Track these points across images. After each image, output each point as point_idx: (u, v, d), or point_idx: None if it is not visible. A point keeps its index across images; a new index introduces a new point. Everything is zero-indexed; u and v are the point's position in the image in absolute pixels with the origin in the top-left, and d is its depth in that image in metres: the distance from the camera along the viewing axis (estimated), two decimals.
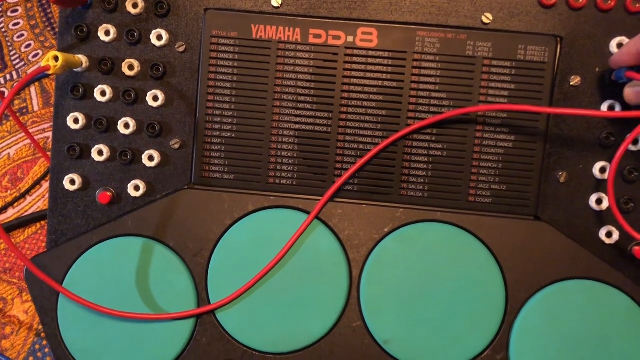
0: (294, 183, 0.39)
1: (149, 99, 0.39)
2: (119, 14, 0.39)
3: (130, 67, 0.39)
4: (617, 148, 0.37)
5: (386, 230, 0.38)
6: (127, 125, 0.39)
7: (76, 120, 0.39)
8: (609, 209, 0.38)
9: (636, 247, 0.38)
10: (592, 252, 0.37)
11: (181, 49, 0.39)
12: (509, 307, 0.37)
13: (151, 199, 0.39)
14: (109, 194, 0.39)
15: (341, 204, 0.39)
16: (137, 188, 0.39)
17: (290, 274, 0.38)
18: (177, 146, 0.39)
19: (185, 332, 0.38)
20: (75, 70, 0.39)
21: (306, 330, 0.37)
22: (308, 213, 0.38)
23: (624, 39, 0.37)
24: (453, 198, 0.38)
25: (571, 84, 0.37)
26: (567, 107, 0.38)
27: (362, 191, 0.39)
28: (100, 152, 0.39)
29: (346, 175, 0.38)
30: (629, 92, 0.36)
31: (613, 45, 0.37)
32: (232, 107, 0.39)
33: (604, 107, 0.37)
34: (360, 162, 0.38)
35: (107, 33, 0.39)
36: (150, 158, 0.39)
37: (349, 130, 0.39)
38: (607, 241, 0.38)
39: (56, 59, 0.36)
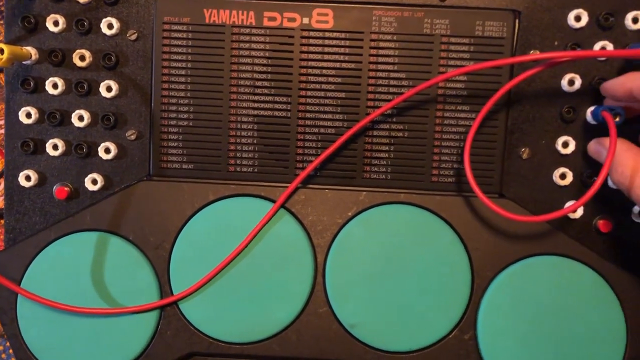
0: (255, 170, 0.38)
1: (102, 89, 0.38)
2: (67, 3, 0.38)
3: (82, 58, 0.38)
4: (579, 122, 0.37)
5: (350, 214, 0.38)
6: (81, 118, 0.38)
7: (28, 115, 0.38)
8: (572, 183, 0.38)
9: (600, 221, 0.37)
10: (557, 228, 0.37)
11: (133, 37, 0.38)
12: (475, 286, 0.37)
13: (109, 192, 0.38)
14: (66, 189, 0.38)
15: (304, 190, 0.38)
16: (94, 182, 0.38)
17: (254, 263, 0.37)
18: (133, 137, 0.38)
19: (150, 326, 0.37)
20: (24, 62, 0.38)
21: (272, 319, 0.37)
22: (270, 200, 0.38)
23: (581, 12, 0.36)
24: (416, 179, 0.38)
25: None
26: (529, 70, 0.37)
27: (325, 176, 0.38)
28: (55, 147, 0.38)
29: (316, 162, 0.37)
30: (592, 146, 0.36)
31: (571, 18, 0.36)
32: (188, 94, 0.38)
33: (564, 80, 0.37)
34: (331, 148, 0.37)
35: (56, 23, 0.37)
36: (107, 150, 0.38)
37: (308, 115, 0.38)
38: (572, 216, 0.38)
39: (1, 51, 0.35)
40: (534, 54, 0.33)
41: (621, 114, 0.34)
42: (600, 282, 0.37)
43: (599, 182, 0.32)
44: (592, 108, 0.37)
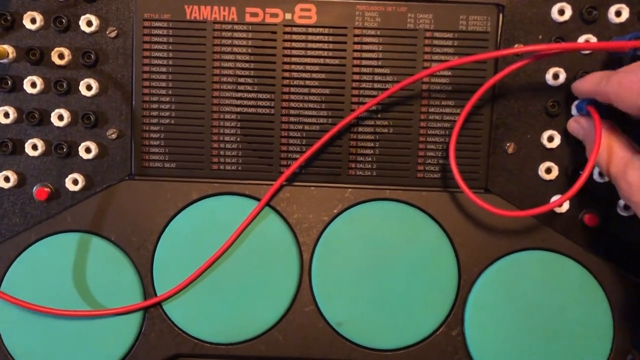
0: (239, 168, 0.38)
1: (82, 88, 0.37)
2: (44, 0, 0.37)
3: (61, 56, 0.37)
4: (564, 116, 0.37)
5: (335, 211, 0.37)
6: (61, 117, 0.37)
7: (6, 115, 0.37)
8: (558, 177, 0.37)
9: (587, 215, 0.37)
10: (543, 222, 0.37)
11: (113, 35, 0.37)
12: (462, 282, 0.37)
13: (91, 192, 0.38)
14: (46, 189, 0.37)
15: (289, 187, 0.37)
16: (75, 182, 0.38)
17: (239, 262, 0.37)
18: (114, 136, 0.38)
19: (133, 328, 0.36)
20: (1, 61, 0.37)
21: (258, 319, 0.37)
22: (255, 199, 0.37)
23: (565, 5, 0.36)
24: (402, 175, 0.38)
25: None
26: (512, 65, 0.37)
27: (310, 173, 0.38)
28: (34, 147, 0.37)
29: (300, 159, 0.37)
30: (571, 124, 0.36)
31: (554, 12, 0.36)
32: (170, 92, 0.37)
33: (549, 74, 0.37)
34: (316, 145, 0.37)
35: (33, 21, 0.37)
36: (87, 150, 0.38)
37: (292, 111, 0.37)
38: (558, 210, 0.38)
39: None
40: (518, 47, 0.33)
41: (604, 107, 0.34)
42: (586, 276, 0.37)
43: (584, 175, 0.31)
44: (576, 102, 0.36)
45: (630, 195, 0.31)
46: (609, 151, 0.32)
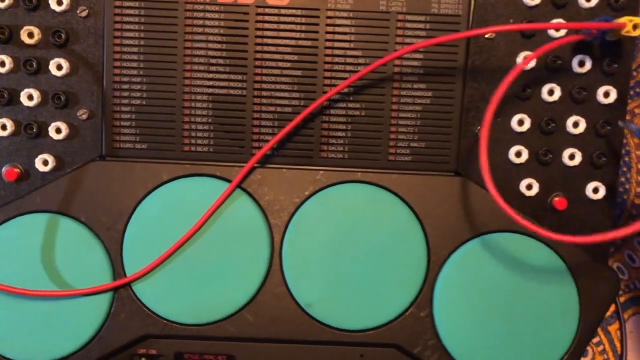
0: (211, 150, 0.38)
1: (52, 68, 0.37)
2: None
3: (30, 35, 0.37)
4: (534, 99, 0.37)
5: (307, 193, 0.37)
6: (30, 97, 0.37)
7: None
8: (528, 161, 0.38)
9: (556, 199, 0.38)
10: (512, 205, 0.37)
11: (84, 14, 0.37)
12: (431, 263, 0.37)
13: (61, 173, 0.37)
14: (16, 170, 0.37)
15: (260, 170, 0.37)
16: (45, 162, 0.37)
17: (210, 243, 0.37)
18: (85, 117, 0.37)
19: (102, 308, 0.36)
20: None
21: (228, 299, 0.37)
22: (226, 180, 0.37)
23: None
24: (373, 158, 0.38)
25: (486, 36, 0.37)
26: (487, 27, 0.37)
27: (282, 155, 0.38)
28: (3, 127, 0.37)
29: (272, 141, 0.37)
30: None
31: None
32: (141, 73, 0.37)
33: (519, 58, 0.37)
34: (288, 127, 0.37)
35: None
36: (58, 130, 0.37)
37: (264, 93, 0.37)
38: (528, 193, 0.38)
39: None
40: (489, 27, 0.33)
41: None
42: (554, 258, 0.37)
43: None
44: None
45: None
46: None
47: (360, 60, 0.37)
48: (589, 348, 0.45)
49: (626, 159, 0.47)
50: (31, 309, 0.36)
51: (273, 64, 0.37)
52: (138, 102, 0.37)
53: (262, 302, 0.37)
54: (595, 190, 0.38)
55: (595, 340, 0.45)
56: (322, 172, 0.37)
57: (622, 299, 0.45)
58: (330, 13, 0.37)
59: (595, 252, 0.38)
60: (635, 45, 0.38)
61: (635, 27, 0.34)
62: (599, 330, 0.45)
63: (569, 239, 0.32)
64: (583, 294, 0.37)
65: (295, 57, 0.37)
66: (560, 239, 0.32)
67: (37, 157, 0.37)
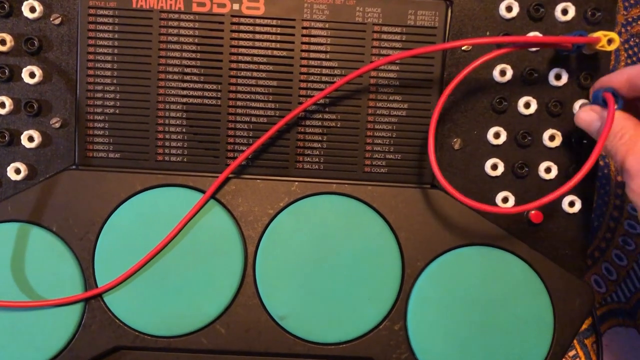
0: (185, 160, 0.37)
1: (24, 75, 0.36)
2: None
3: (2, 42, 0.36)
4: (510, 112, 0.37)
5: (281, 204, 0.37)
6: (2, 105, 0.36)
7: None
8: (504, 174, 0.38)
9: (532, 212, 0.38)
10: (488, 218, 0.37)
11: (57, 22, 0.36)
12: (405, 276, 0.37)
13: (34, 182, 0.37)
14: None
15: (235, 180, 0.37)
16: (17, 171, 0.37)
17: (182, 254, 0.36)
18: (58, 125, 0.37)
19: (73, 320, 0.36)
20: None
21: (200, 311, 0.36)
22: (200, 191, 0.37)
23: (512, 2, 0.36)
24: (349, 169, 0.38)
25: (463, 48, 0.37)
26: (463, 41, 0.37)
27: (257, 166, 0.38)
28: None
29: (247, 152, 0.36)
30: (583, 114, 0.34)
31: (502, 8, 0.36)
32: (115, 82, 0.37)
33: (496, 71, 0.37)
34: (263, 138, 0.36)
35: None
36: (30, 139, 0.37)
37: (239, 103, 0.37)
38: (503, 207, 0.38)
39: None
40: (465, 39, 0.33)
41: (620, 100, 0.33)
42: (529, 272, 0.37)
43: (594, 156, 0.31)
44: (593, 93, 0.35)
45: None
46: (631, 141, 0.31)
47: (336, 72, 0.37)
48: None
49: (605, 171, 0.47)
50: (0, 320, 0.36)
51: (248, 74, 0.37)
52: (112, 110, 0.37)
53: (234, 314, 0.36)
54: (572, 204, 0.38)
55: (571, 353, 0.45)
56: (297, 183, 0.37)
57: (599, 312, 0.45)
58: (306, 24, 0.37)
59: (571, 266, 0.38)
60: (610, 59, 0.37)
61: (610, 41, 0.34)
62: (576, 343, 0.45)
63: (491, 208, 0.34)
64: (558, 307, 0.37)
65: (271, 68, 0.37)
66: (483, 209, 0.33)
67: (9, 165, 0.37)
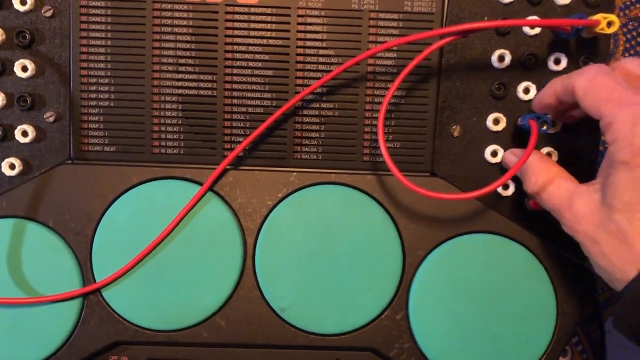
0: (181, 152, 0.37)
1: (17, 69, 0.36)
2: None
3: None
4: (509, 98, 0.37)
5: (280, 195, 0.37)
6: None
7: None
8: None
9: (532, 199, 0.37)
10: (488, 206, 0.37)
11: (48, 14, 0.36)
12: (406, 265, 0.36)
13: (29, 177, 0.37)
14: None
15: (232, 172, 0.37)
16: (12, 166, 0.36)
17: (180, 247, 0.36)
18: (52, 119, 0.37)
19: (72, 315, 0.36)
20: None
21: (199, 305, 0.36)
22: (197, 183, 0.36)
23: None
24: (348, 159, 0.37)
25: None
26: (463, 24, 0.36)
27: (254, 157, 0.37)
28: None
29: (244, 143, 0.36)
30: (506, 157, 0.36)
31: None
32: (109, 74, 0.36)
33: (494, 56, 0.36)
34: (260, 128, 0.36)
35: None
36: (24, 133, 0.36)
37: (235, 93, 0.37)
38: (504, 193, 0.37)
39: None
40: (463, 25, 0.33)
41: (548, 122, 0.35)
42: (531, 259, 0.37)
43: (524, 158, 0.32)
44: (520, 118, 0.36)
45: (576, 225, 0.31)
46: (548, 183, 0.33)
47: (333, 60, 0.36)
48: (568, 348, 0.45)
49: None
50: None
51: (244, 63, 0.36)
52: (106, 103, 0.36)
53: (234, 307, 0.36)
54: None
55: (574, 340, 0.44)
56: (295, 173, 0.37)
57: (601, 298, 0.45)
58: (301, 12, 0.36)
59: (573, 252, 0.38)
60: (609, 43, 0.37)
61: (609, 24, 0.33)
62: (578, 330, 0.45)
63: (449, 196, 0.34)
64: (560, 294, 0.36)
65: (267, 57, 0.36)
66: (438, 197, 0.34)
67: (3, 160, 0.36)
